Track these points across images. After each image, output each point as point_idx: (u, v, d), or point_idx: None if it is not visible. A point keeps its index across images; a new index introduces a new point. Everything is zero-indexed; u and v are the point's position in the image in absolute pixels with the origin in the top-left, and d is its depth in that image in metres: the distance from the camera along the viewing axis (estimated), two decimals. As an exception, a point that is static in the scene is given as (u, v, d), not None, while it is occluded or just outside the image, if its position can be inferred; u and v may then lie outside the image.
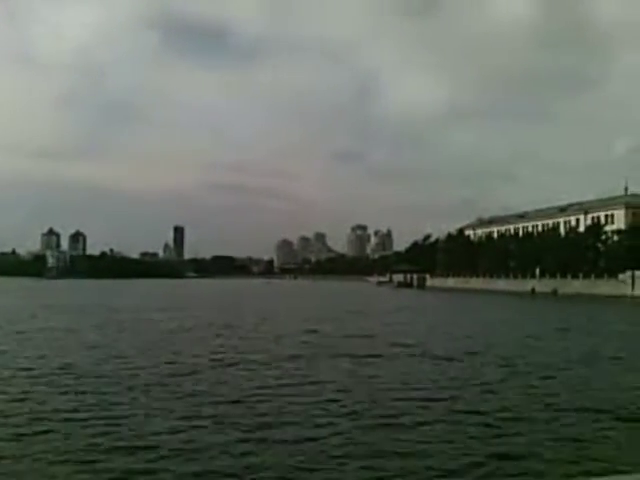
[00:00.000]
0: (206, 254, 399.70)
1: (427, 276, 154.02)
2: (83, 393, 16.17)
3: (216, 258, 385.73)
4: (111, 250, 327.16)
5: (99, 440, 11.63)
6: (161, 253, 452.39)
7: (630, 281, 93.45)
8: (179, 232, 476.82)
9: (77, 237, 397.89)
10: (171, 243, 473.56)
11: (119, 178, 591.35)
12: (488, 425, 13.26)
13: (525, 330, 36.83)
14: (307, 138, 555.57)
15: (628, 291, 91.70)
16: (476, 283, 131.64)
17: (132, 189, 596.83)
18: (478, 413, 14.45)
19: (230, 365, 21.60)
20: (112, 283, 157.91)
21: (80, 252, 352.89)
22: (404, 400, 15.48)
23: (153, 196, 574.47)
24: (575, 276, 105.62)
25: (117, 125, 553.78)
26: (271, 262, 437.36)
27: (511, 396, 16.57)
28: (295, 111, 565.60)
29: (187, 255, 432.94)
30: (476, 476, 10.12)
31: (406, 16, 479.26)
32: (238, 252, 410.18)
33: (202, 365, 21.54)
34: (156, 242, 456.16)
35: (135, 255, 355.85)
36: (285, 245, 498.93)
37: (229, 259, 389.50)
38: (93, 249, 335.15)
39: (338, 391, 16.82)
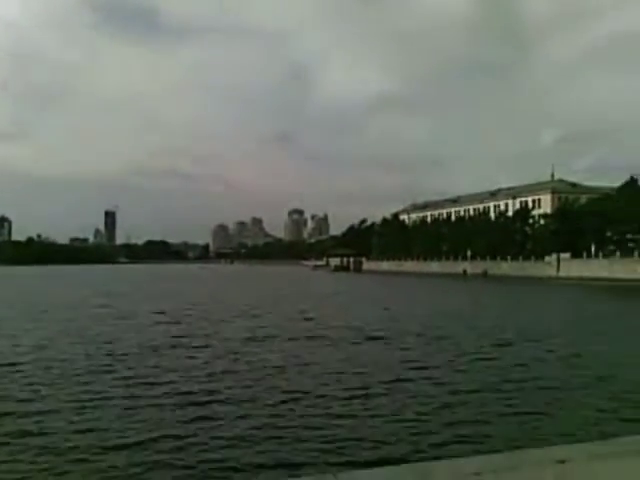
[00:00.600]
0: (139, 239, 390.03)
1: (363, 260, 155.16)
2: None
3: (149, 243, 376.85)
4: (38, 236, 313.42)
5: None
6: (92, 238, 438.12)
7: (555, 263, 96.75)
8: (110, 217, 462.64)
9: (2, 222, 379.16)
10: (102, 228, 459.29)
11: (47, 162, 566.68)
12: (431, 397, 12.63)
13: (461, 310, 36.92)
14: (242, 122, 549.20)
15: (553, 273, 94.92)
16: (410, 266, 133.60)
17: (61, 173, 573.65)
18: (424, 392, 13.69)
19: (168, 348, 20.80)
20: (38, 270, 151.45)
21: (5, 238, 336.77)
22: (343, 377, 14.70)
23: (83, 180, 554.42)
24: (504, 258, 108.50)
25: (43, 108, 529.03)
26: (207, 247, 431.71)
27: (457, 370, 16.07)
28: (229, 95, 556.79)
29: (119, 240, 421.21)
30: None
31: (344, 5, 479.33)
32: (173, 237, 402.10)
33: (138, 348, 20.45)
34: (86, 227, 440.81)
35: (64, 241, 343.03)
36: (221, 230, 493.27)
37: (163, 244, 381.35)
38: (19, 235, 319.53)
39: (274, 368, 16.13)
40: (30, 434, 10.87)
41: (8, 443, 10.34)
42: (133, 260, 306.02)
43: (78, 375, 16.25)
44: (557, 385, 15.00)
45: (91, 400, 13.38)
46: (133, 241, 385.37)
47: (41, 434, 10.94)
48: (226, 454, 9.81)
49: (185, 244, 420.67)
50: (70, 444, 10.25)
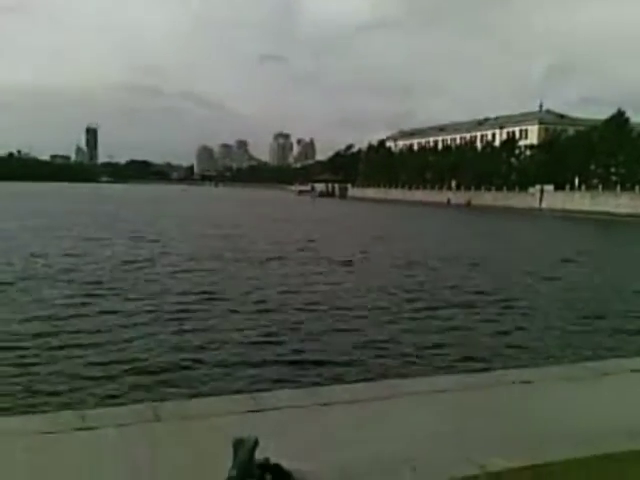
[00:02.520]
0: (121, 158, 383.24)
1: (348, 186, 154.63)
2: None
3: (132, 163, 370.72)
4: (19, 152, 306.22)
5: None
6: (73, 156, 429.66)
7: (538, 195, 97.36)
8: (92, 134, 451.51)
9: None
10: (83, 146, 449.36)
11: (27, 74, 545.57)
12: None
13: (444, 235, 37.26)
14: (228, 41, 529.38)
15: (536, 204, 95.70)
16: (395, 194, 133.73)
17: (41, 86, 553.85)
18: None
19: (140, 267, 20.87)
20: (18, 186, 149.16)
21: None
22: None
23: (64, 95, 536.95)
24: (488, 189, 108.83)
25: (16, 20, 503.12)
26: (191, 168, 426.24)
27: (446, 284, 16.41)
28: (216, 15, 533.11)
29: (101, 159, 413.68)
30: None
31: None
32: (156, 157, 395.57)
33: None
34: (67, 144, 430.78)
35: (45, 157, 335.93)
36: (205, 151, 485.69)
37: (146, 164, 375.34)
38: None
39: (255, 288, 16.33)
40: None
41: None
42: (115, 180, 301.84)
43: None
44: (523, 307, 15.45)
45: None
46: (115, 160, 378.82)
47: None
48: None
49: (169, 165, 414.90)
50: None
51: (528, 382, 6.89)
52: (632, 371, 7.36)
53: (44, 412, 5.83)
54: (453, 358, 10.98)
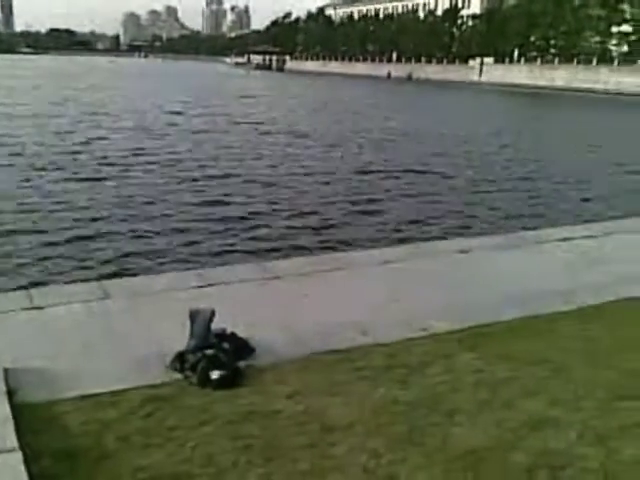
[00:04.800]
0: (41, 27, 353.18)
1: (287, 58, 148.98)
2: None
3: (53, 32, 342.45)
4: None
5: None
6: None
7: (478, 67, 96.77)
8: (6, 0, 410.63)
9: None
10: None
11: None
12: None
13: (376, 110, 37.02)
14: None
15: (476, 77, 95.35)
16: (335, 67, 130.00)
17: None
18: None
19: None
20: None
21: None
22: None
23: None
24: (429, 62, 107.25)
25: None
26: (117, 38, 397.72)
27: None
28: None
29: (18, 27, 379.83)
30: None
31: None
32: (79, 26, 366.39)
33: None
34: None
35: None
36: (132, 19, 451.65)
37: (69, 33, 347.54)
38: None
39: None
40: None
41: None
42: (35, 50, 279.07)
43: None
44: (458, 178, 15.89)
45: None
46: (35, 29, 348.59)
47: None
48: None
49: (92, 34, 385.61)
50: None
51: (466, 251, 7.27)
52: (565, 239, 7.85)
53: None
54: (394, 228, 11.29)
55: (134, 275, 7.75)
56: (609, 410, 3.56)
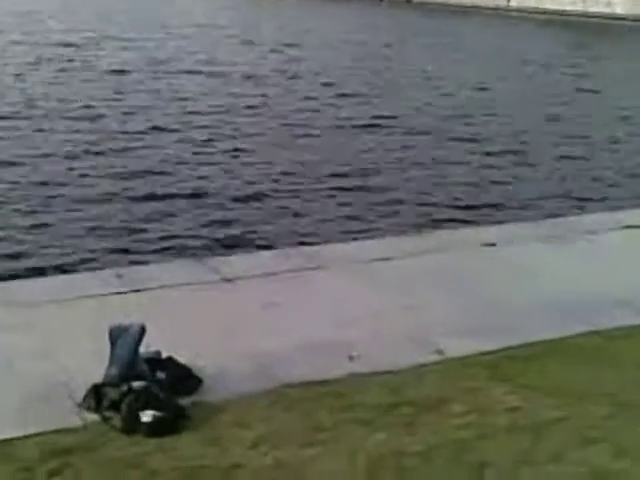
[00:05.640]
0: None
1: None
2: None
3: None
4: None
5: None
6: None
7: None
8: None
9: None
10: None
11: None
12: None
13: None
14: None
15: (502, 1, 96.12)
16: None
17: None
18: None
19: None
20: None
21: None
22: None
23: None
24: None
25: None
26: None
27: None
28: None
29: None
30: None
31: None
32: None
33: None
34: None
35: None
36: None
37: None
38: None
39: None
40: None
41: None
42: None
43: None
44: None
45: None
46: None
47: None
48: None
49: None
50: None
51: (492, 244, 7.34)
52: (629, 227, 7.98)
53: None
54: (393, 211, 11.24)
55: (25, 277, 7.62)
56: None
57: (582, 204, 12.33)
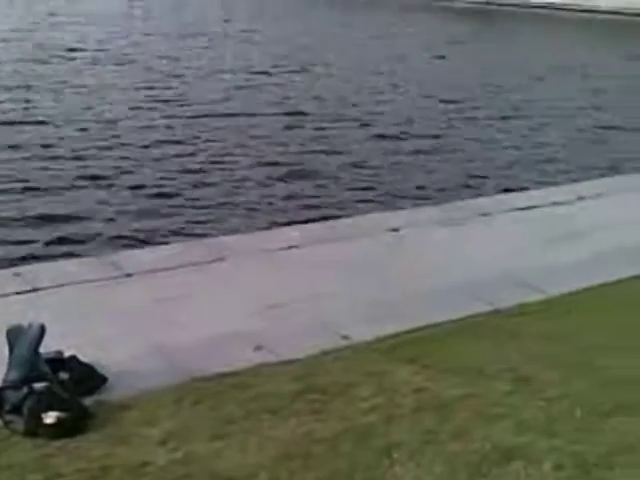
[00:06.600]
0: None
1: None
2: None
3: None
4: None
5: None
6: None
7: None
8: None
9: None
10: None
11: None
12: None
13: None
14: None
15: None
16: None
17: None
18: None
19: None
20: None
21: None
22: None
23: None
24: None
25: None
26: None
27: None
28: None
29: None
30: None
31: None
32: None
33: None
34: None
35: None
36: None
37: None
38: None
39: None
40: None
41: None
42: None
43: None
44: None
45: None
46: None
47: None
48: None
49: None
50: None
51: (396, 229, 7.46)
52: (523, 208, 8.25)
53: None
54: (299, 203, 11.20)
55: None
56: (592, 431, 3.79)
57: (479, 186, 12.63)
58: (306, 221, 9.61)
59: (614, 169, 13.69)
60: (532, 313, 5.48)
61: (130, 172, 12.49)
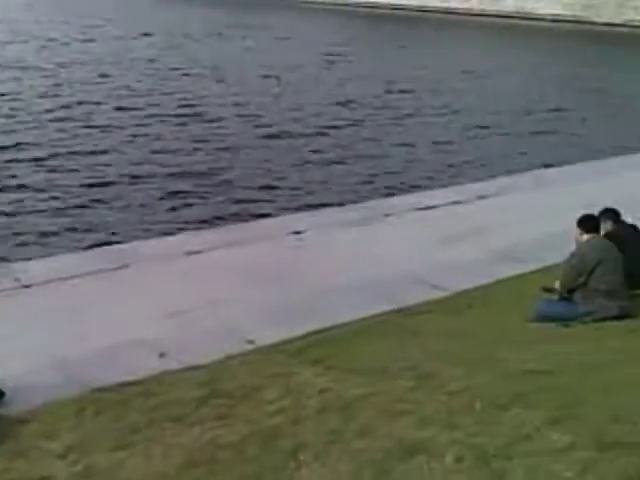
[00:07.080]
0: None
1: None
2: None
3: None
4: None
5: None
6: None
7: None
8: None
9: None
10: None
11: None
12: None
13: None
14: None
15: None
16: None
17: None
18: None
19: None
20: None
21: None
22: None
23: None
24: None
25: None
26: None
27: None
28: None
29: None
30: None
31: None
32: None
33: None
34: None
35: None
36: None
37: None
38: None
39: None
40: None
41: None
42: None
43: None
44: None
45: None
46: None
47: None
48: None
49: None
50: None
51: (300, 232, 7.49)
52: (425, 208, 8.41)
53: None
54: (198, 211, 11.02)
55: None
56: (491, 424, 3.88)
57: (385, 187, 12.68)
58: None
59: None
60: (433, 311, 5.58)
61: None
